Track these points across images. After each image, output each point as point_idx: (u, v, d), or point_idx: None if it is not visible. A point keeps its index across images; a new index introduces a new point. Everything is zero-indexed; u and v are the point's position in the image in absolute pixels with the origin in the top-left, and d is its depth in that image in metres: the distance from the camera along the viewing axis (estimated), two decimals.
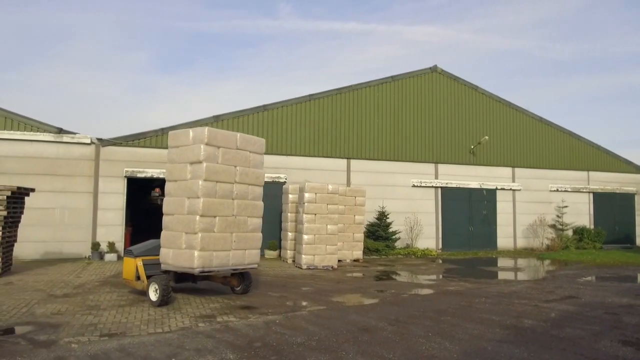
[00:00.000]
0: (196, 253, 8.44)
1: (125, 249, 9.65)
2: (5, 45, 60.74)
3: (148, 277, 8.91)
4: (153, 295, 8.55)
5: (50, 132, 15.68)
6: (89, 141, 16.04)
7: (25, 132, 15.40)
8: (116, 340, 6.29)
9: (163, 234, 8.99)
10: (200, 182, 8.56)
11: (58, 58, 63.52)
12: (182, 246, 8.58)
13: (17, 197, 11.85)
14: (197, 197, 8.56)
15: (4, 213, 11.12)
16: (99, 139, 16.25)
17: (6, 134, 15.17)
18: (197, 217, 8.51)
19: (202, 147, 8.61)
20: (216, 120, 17.65)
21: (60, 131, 15.78)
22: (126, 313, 7.89)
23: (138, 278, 9.10)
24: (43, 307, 8.21)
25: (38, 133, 15.54)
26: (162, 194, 10.06)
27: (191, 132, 8.84)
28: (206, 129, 8.77)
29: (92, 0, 64.42)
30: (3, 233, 11.23)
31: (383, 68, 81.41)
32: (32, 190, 12.50)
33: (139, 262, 9.09)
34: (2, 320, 7.26)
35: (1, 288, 9.90)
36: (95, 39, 66.60)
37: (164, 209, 9.04)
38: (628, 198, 25.30)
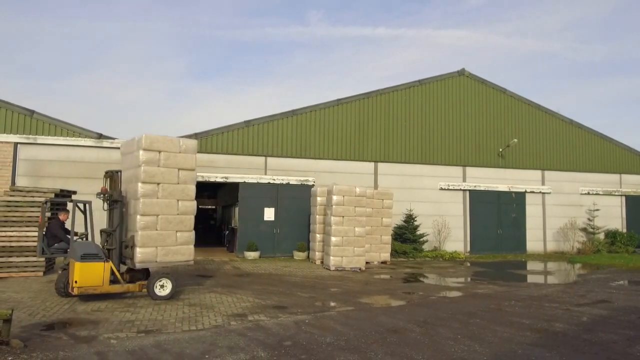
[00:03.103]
0: (191, 247, 9.56)
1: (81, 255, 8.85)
2: (50, 57, 63.11)
3: (132, 276, 9.40)
4: (161, 291, 9.13)
5: (91, 138, 16.31)
6: None
7: (67, 138, 16.07)
8: (152, 336, 6.54)
9: (145, 233, 9.02)
10: (193, 187, 9.62)
11: (99, 67, 65.61)
12: (175, 243, 9.31)
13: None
14: (192, 200, 9.60)
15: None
16: None
17: (50, 139, 15.87)
18: (191, 217, 9.58)
19: (195, 156, 9.65)
20: (247, 125, 17.98)
21: (100, 136, 16.39)
22: (162, 311, 8.18)
23: (112, 282, 9.02)
24: (84, 304, 8.57)
25: (80, 138, 16.19)
26: (108, 195, 9.34)
27: (181, 141, 9.62)
28: (195, 141, 9.85)
29: (132, 12, 66.32)
30: None
31: (411, 72, 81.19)
32: (74, 192, 13.00)
33: (112, 265, 9.07)
34: (46, 316, 7.62)
35: (45, 285, 10.37)
36: (135, 48, 68.52)
37: (144, 210, 9.02)
38: None
